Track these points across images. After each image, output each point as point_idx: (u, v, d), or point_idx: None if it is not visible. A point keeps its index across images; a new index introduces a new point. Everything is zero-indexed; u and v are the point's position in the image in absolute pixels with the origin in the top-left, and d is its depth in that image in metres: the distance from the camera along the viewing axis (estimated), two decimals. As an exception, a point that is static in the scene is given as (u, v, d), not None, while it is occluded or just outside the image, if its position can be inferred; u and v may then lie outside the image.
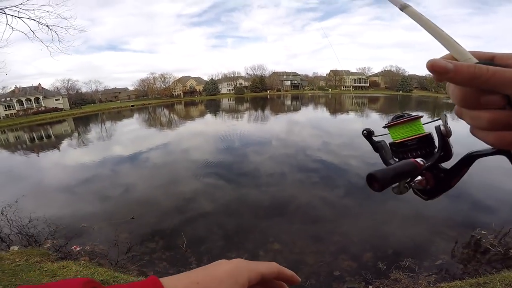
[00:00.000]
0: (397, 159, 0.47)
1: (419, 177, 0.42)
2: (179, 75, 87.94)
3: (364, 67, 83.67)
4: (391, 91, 71.66)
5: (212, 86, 76.92)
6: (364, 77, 79.71)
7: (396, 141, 0.46)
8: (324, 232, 4.46)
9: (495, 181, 5.84)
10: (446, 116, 0.40)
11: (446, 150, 0.42)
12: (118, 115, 42.15)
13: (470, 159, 0.39)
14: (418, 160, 0.40)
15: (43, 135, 25.49)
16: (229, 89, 79.84)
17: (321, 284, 3.23)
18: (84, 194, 7.22)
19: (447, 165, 0.42)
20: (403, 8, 0.32)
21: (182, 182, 7.56)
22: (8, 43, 6.54)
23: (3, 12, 5.85)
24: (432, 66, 0.24)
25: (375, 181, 0.34)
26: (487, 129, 0.26)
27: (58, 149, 16.12)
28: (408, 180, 0.42)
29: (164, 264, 3.93)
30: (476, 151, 0.37)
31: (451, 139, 0.41)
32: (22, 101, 54.11)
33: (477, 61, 0.26)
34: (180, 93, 78.20)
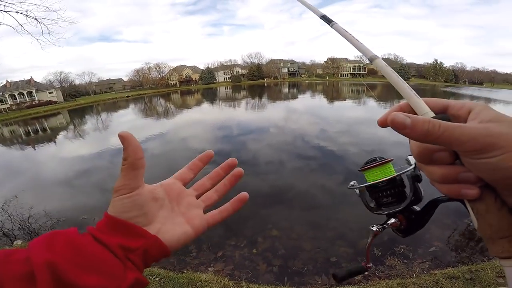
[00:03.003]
0: (373, 200, 0.54)
1: (393, 219, 0.49)
2: (175, 64, 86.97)
3: (362, 55, 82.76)
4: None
5: (208, 75, 76.01)
6: (361, 64, 78.70)
7: (369, 183, 0.52)
8: (322, 219, 4.52)
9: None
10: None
11: (416, 194, 0.47)
12: (114, 106, 41.71)
13: (434, 203, 0.44)
14: (367, 265, 0.58)
15: (38, 129, 25.26)
16: (226, 78, 79.02)
17: (318, 270, 3.30)
18: (83, 187, 7.22)
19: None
20: (372, 60, 0.37)
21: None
22: (-4, 38, 6.39)
23: None
24: (392, 122, 0.26)
25: (335, 278, 0.60)
26: (439, 183, 0.29)
27: (55, 142, 16.02)
28: (382, 223, 0.50)
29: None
30: (439, 197, 0.42)
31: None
32: (14, 95, 53.30)
33: (433, 114, 0.28)
34: (176, 82, 77.34)
